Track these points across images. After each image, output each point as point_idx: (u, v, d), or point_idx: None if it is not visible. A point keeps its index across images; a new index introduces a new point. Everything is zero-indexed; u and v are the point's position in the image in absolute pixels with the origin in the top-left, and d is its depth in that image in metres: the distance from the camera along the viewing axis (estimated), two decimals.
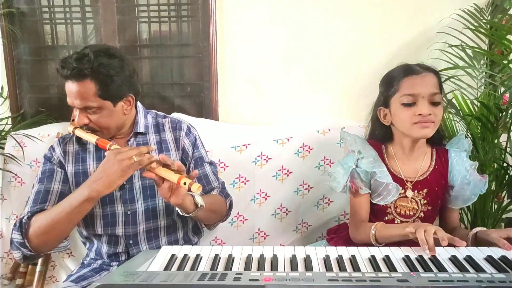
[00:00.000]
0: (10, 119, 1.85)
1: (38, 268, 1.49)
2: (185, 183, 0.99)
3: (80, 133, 1.17)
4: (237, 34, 1.79)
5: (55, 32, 1.89)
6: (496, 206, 1.56)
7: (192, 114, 1.80)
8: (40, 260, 1.50)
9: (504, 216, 1.63)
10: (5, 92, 1.86)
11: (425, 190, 1.20)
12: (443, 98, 1.26)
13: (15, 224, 1.12)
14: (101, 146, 1.13)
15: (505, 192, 1.62)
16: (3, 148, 1.70)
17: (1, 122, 1.78)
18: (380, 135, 1.24)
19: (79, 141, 1.26)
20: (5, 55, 1.82)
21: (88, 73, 1.10)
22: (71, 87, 1.12)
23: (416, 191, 1.20)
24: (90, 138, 1.15)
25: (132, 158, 1.03)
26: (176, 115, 1.68)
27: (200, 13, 1.81)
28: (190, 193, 1.10)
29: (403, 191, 1.20)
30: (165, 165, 1.05)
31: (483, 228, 1.09)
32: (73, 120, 1.21)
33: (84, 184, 1.08)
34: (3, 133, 1.73)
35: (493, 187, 1.52)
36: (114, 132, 1.22)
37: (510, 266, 0.85)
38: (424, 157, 1.22)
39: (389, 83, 1.17)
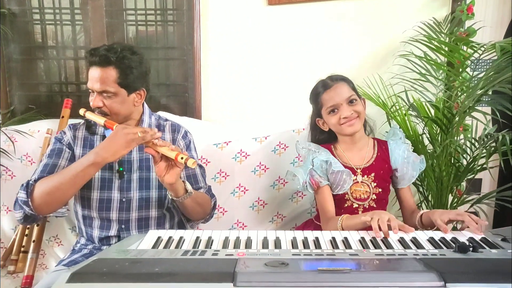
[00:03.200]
0: (0, 116, 1.92)
1: (29, 255, 1.59)
2: (182, 158, 1.13)
3: (90, 115, 1.31)
4: (220, 38, 1.92)
5: (45, 33, 1.98)
6: (451, 198, 1.74)
7: (177, 113, 1.91)
8: (31, 247, 1.60)
9: (461, 208, 1.81)
10: None
11: (372, 174, 1.41)
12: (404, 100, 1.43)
13: (22, 185, 1.24)
14: (108, 126, 1.27)
15: (463, 186, 1.80)
16: None
17: None
18: (325, 138, 1.47)
19: (89, 129, 1.40)
20: None
21: (113, 61, 1.25)
22: (94, 72, 1.27)
23: (365, 176, 1.41)
24: (98, 120, 1.29)
25: (136, 133, 1.17)
26: (161, 113, 1.80)
27: (185, 18, 1.93)
28: (182, 180, 1.24)
29: (355, 177, 1.39)
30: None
31: (428, 210, 1.30)
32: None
33: (90, 152, 1.21)
34: None
35: (448, 182, 1.70)
36: (122, 120, 1.34)
37: (445, 245, 1.01)
38: (367, 147, 1.44)
39: (315, 100, 1.42)
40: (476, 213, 1.68)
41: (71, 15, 1.96)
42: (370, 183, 1.40)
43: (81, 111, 1.33)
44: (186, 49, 1.95)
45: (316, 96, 1.42)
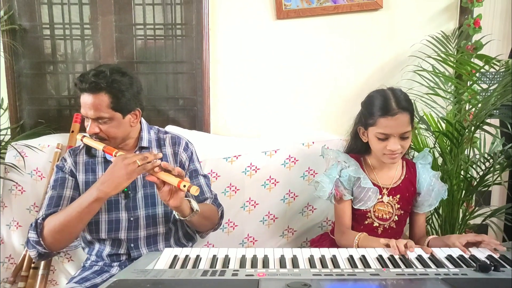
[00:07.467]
0: (9, 130, 1.93)
1: (40, 271, 1.58)
2: (184, 186, 1.11)
3: (88, 141, 1.29)
4: (228, 53, 1.94)
5: (55, 48, 1.99)
6: (462, 213, 1.73)
7: (186, 127, 1.92)
8: (42, 264, 1.59)
9: (471, 222, 1.81)
10: (5, 104, 1.94)
11: (398, 196, 1.37)
12: (415, 115, 1.45)
13: (31, 225, 1.23)
14: (107, 152, 1.25)
15: (472, 200, 1.80)
16: (3, 158, 1.77)
17: (1, 133, 1.86)
18: (360, 147, 1.41)
19: (89, 152, 1.38)
20: (7, 68, 1.91)
21: (103, 87, 1.23)
22: (86, 99, 1.24)
23: (391, 196, 1.37)
24: (97, 146, 1.27)
25: (136, 163, 1.15)
26: (170, 127, 1.81)
27: (194, 32, 1.94)
28: (187, 198, 1.22)
29: (380, 196, 1.36)
30: (166, 170, 1.17)
31: (436, 236, 1.29)
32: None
33: (93, 186, 1.19)
34: (3, 143, 1.81)
35: (459, 196, 1.69)
36: (120, 142, 1.33)
37: (465, 263, 1.01)
38: (397, 167, 1.40)
39: (369, 113, 1.30)
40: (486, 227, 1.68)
41: (81, 30, 1.97)
42: (394, 204, 1.37)
43: (79, 137, 1.32)
44: (195, 63, 1.96)
45: (371, 111, 1.29)
